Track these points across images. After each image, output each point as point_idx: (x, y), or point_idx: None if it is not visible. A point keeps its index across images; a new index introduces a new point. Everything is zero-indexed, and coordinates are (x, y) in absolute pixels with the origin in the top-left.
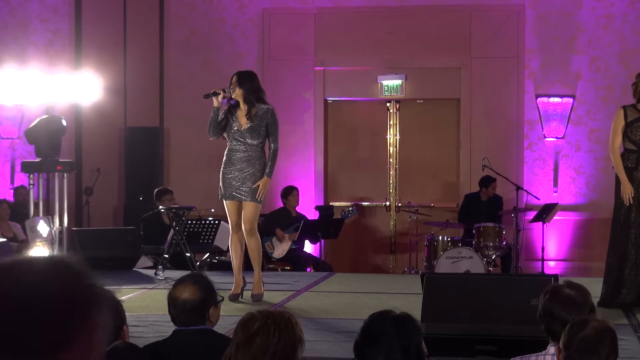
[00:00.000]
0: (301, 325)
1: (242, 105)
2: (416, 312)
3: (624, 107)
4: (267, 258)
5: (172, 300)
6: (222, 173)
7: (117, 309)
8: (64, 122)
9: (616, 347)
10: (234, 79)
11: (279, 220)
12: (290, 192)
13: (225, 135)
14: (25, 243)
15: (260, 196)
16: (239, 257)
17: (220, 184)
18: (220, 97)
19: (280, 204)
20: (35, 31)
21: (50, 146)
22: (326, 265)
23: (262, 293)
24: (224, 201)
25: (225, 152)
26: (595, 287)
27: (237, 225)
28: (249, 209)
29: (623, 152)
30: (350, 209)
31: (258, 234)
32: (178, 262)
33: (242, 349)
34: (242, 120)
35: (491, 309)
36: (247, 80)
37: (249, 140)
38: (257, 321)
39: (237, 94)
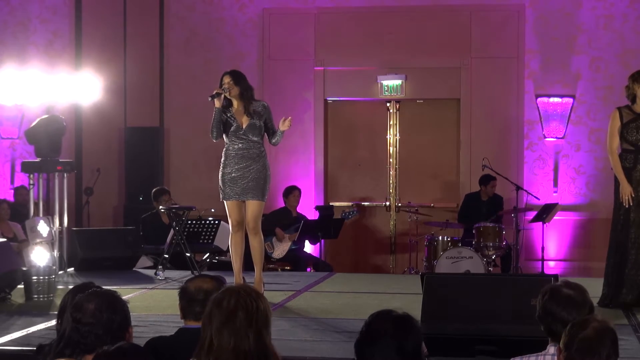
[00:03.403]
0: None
1: (237, 103)
2: (416, 312)
3: (619, 109)
4: (266, 258)
5: (194, 292)
6: (222, 173)
7: (123, 310)
8: (64, 122)
9: (617, 347)
10: (228, 79)
11: (279, 220)
12: (290, 192)
13: (224, 135)
14: (25, 243)
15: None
16: (240, 258)
17: (221, 184)
18: (222, 97)
19: (281, 203)
20: (35, 31)
21: (50, 146)
22: (326, 265)
23: (262, 293)
24: (225, 201)
25: (224, 152)
26: (595, 287)
27: (238, 225)
28: (253, 207)
29: (621, 152)
30: (351, 210)
31: (262, 233)
32: (178, 262)
33: (225, 326)
34: (241, 118)
35: (491, 309)
36: (241, 78)
37: (251, 137)
38: (232, 297)
39: (235, 92)
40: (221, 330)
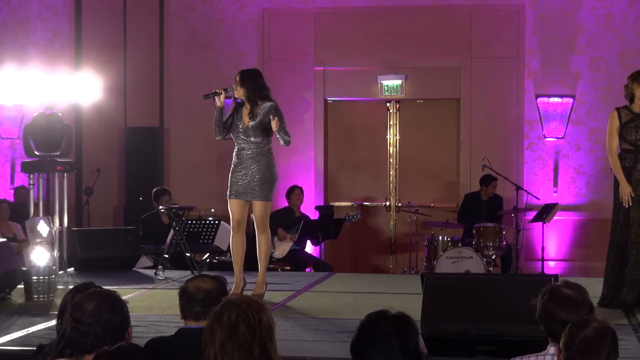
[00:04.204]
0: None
1: (246, 103)
2: (416, 312)
3: (618, 109)
4: None
5: (193, 291)
6: (230, 172)
7: (122, 309)
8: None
9: (616, 347)
10: (237, 78)
11: (281, 220)
12: (292, 192)
13: (231, 135)
14: (26, 243)
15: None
16: (241, 258)
17: (229, 183)
18: (222, 96)
19: (284, 204)
20: (35, 31)
21: (48, 143)
22: (326, 266)
23: (263, 293)
24: (229, 200)
25: (234, 153)
26: (595, 287)
27: (238, 225)
28: (258, 208)
29: (620, 152)
30: (355, 213)
31: (269, 232)
32: (178, 262)
33: (229, 342)
34: (245, 118)
35: (491, 309)
36: (249, 79)
37: (252, 138)
38: (232, 311)
39: (240, 93)
40: (225, 346)
